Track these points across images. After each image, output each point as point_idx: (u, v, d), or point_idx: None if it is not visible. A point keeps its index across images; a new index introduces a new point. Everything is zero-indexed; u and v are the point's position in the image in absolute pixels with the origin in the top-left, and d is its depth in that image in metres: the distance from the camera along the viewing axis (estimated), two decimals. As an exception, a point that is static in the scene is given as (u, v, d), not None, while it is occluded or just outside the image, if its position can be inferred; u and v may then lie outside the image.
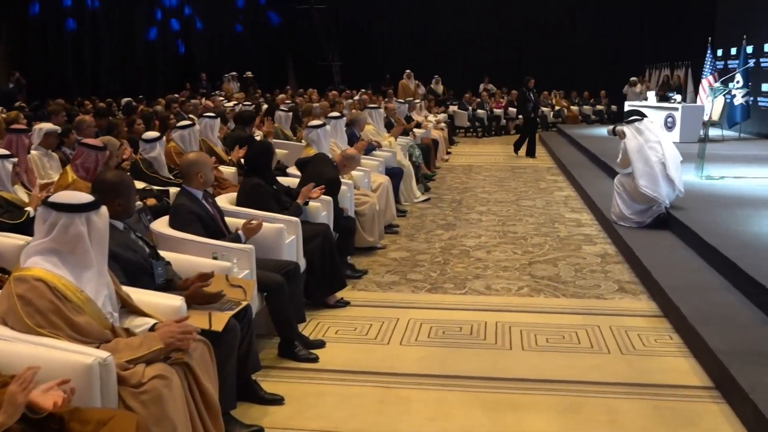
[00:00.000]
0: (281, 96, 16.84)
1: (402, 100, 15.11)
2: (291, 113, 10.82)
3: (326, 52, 25.44)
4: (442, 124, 16.48)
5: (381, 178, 8.25)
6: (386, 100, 16.07)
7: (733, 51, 17.46)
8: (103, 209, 3.08)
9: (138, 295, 3.41)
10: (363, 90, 19.58)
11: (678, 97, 16.00)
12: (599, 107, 22.56)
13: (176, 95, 16.10)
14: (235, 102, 14.82)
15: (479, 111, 20.55)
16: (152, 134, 7.02)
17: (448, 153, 15.75)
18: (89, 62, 21.43)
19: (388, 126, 11.50)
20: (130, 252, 3.63)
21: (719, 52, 18.19)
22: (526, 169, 13.68)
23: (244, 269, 4.43)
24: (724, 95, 14.25)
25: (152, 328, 3.14)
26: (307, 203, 5.83)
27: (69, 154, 6.97)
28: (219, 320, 3.52)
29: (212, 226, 4.70)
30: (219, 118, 8.73)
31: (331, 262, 5.62)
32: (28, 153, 6.62)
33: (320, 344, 4.86)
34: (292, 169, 7.32)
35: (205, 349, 3.23)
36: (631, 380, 4.31)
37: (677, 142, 10.59)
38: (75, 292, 2.89)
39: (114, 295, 3.17)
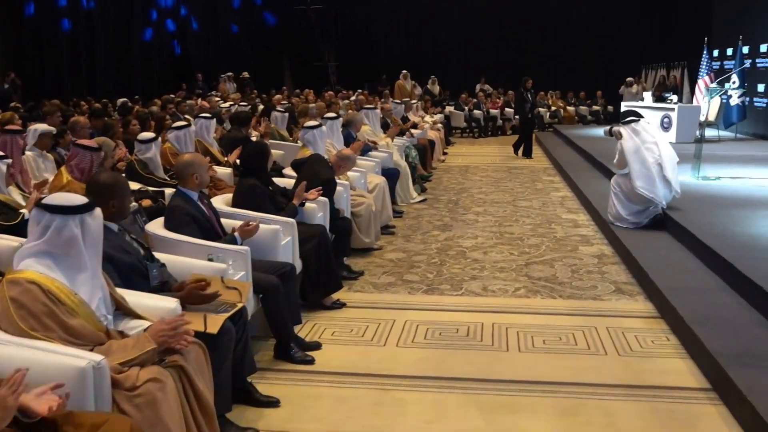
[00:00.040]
0: (277, 96, 16.83)
1: (398, 101, 15.10)
2: (287, 114, 10.79)
3: (322, 53, 25.42)
4: (439, 125, 16.47)
5: (377, 179, 8.23)
6: (382, 100, 16.05)
7: (729, 51, 17.49)
8: (98, 211, 3.06)
9: (133, 298, 3.38)
10: (359, 90, 19.58)
11: (674, 98, 16.01)
12: (595, 108, 22.56)
13: (172, 96, 16.08)
14: (231, 102, 14.81)
15: (476, 111, 20.54)
16: (147, 135, 6.99)
17: (445, 154, 15.73)
18: (85, 63, 21.40)
19: (385, 127, 11.48)
20: (124, 254, 3.61)
21: (715, 53, 18.23)
22: (522, 169, 13.68)
23: (240, 271, 4.40)
24: (720, 96, 14.26)
25: (146, 330, 3.12)
26: (303, 204, 5.81)
27: (64, 155, 6.94)
28: (214, 322, 3.49)
29: (208, 227, 4.67)
30: (215, 119, 8.70)
31: (327, 264, 5.60)
32: (23, 154, 6.59)
33: (316, 346, 4.84)
34: (288, 170, 7.30)
35: (200, 351, 3.20)
36: (628, 382, 4.30)
37: (673, 143, 10.58)
38: (69, 294, 2.87)
39: (108, 297, 3.14)
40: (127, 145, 7.55)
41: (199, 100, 14.81)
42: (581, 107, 22.68)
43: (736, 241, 6.22)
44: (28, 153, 6.78)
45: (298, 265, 5.33)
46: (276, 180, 6.37)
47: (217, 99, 15.77)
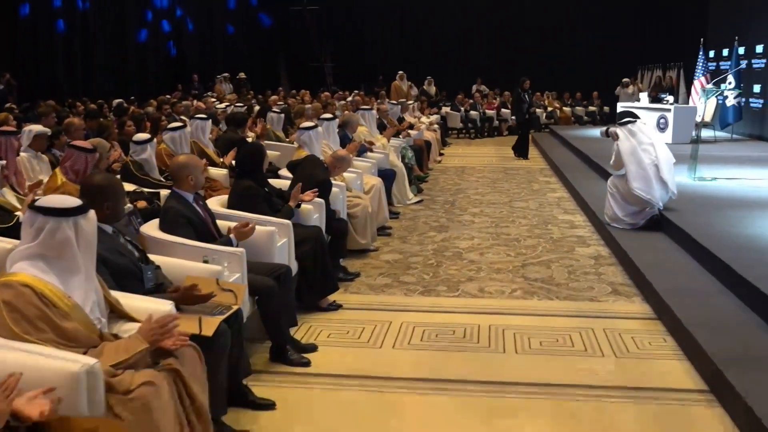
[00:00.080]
0: (273, 97, 16.79)
1: (395, 102, 15.08)
2: (283, 115, 10.77)
3: (318, 54, 25.40)
4: (435, 126, 16.46)
5: (373, 180, 8.21)
6: (379, 101, 16.04)
7: (725, 52, 17.50)
8: (91, 213, 3.03)
9: (127, 300, 3.36)
10: (356, 91, 19.56)
11: (670, 99, 16.03)
12: (592, 108, 22.57)
13: (168, 96, 16.05)
14: (227, 103, 14.79)
15: (472, 112, 20.53)
16: (143, 136, 6.97)
17: (441, 154, 15.72)
18: (80, 64, 21.35)
19: (381, 127, 11.47)
20: (119, 256, 3.59)
21: (711, 54, 18.24)
22: (518, 170, 13.67)
23: (235, 273, 4.38)
24: (716, 96, 14.27)
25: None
26: (298, 206, 5.79)
27: (59, 156, 6.92)
28: (209, 325, 3.47)
29: (203, 229, 4.65)
30: (210, 120, 8.67)
31: (323, 265, 5.58)
32: (18, 155, 6.56)
33: (312, 348, 4.82)
34: (284, 171, 7.28)
35: (194, 354, 3.18)
36: (625, 384, 4.28)
37: (669, 144, 10.59)
38: (62, 298, 2.84)
39: (102, 300, 3.12)
40: (122, 146, 7.53)
41: (194, 101, 14.77)
42: (577, 108, 22.69)
43: (733, 242, 6.22)
44: (22, 154, 6.75)
45: (294, 267, 5.31)
46: (272, 181, 6.35)
47: (213, 100, 15.73)
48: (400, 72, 20.73)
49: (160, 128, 8.60)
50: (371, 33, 25.99)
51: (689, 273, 6.02)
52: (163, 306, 3.40)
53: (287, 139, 10.08)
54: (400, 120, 13.45)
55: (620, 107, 15.57)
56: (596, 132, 16.13)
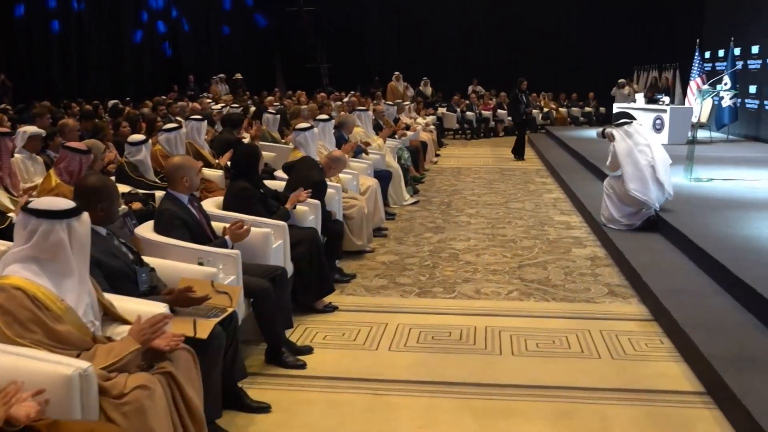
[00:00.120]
0: (269, 98, 16.77)
1: (391, 102, 15.06)
2: (279, 116, 10.75)
3: (315, 54, 25.38)
4: (431, 127, 16.45)
5: (369, 181, 8.19)
6: (375, 102, 16.02)
7: (721, 53, 17.52)
8: (85, 215, 3.01)
9: (121, 303, 3.34)
10: (352, 92, 19.55)
11: (666, 99, 16.03)
12: (588, 109, 22.60)
13: (163, 97, 16.01)
14: (223, 104, 14.76)
15: (468, 113, 20.52)
16: (138, 137, 6.94)
17: (437, 155, 15.71)
18: (76, 64, 21.30)
19: (377, 128, 11.45)
20: (113, 258, 3.56)
21: (707, 54, 18.24)
22: (514, 171, 13.66)
23: (231, 275, 4.36)
24: (712, 97, 14.28)
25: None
26: (294, 207, 5.77)
27: (53, 158, 6.88)
28: (204, 328, 3.45)
29: (198, 230, 4.63)
30: (206, 121, 8.65)
31: (319, 267, 5.56)
32: (12, 156, 6.53)
33: (308, 350, 4.80)
34: (280, 173, 7.26)
35: (189, 357, 3.16)
36: (622, 386, 4.27)
37: (665, 144, 10.58)
38: (55, 301, 2.82)
39: (96, 303, 3.10)
40: (117, 148, 7.50)
41: (190, 103, 14.74)
42: (573, 108, 22.72)
43: (730, 243, 6.21)
44: (17, 155, 6.71)
45: (290, 269, 5.29)
46: (267, 182, 6.33)
47: (209, 101, 15.71)
48: (396, 73, 20.73)
49: (156, 129, 8.57)
50: (367, 34, 25.99)
51: (686, 274, 6.01)
52: (157, 308, 3.37)
53: (283, 140, 10.06)
54: (396, 121, 13.43)
55: (616, 108, 15.59)
56: (592, 133, 16.14)
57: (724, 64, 16.16)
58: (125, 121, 8.93)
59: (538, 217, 9.15)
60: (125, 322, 3.23)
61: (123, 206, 5.36)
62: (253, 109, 13.49)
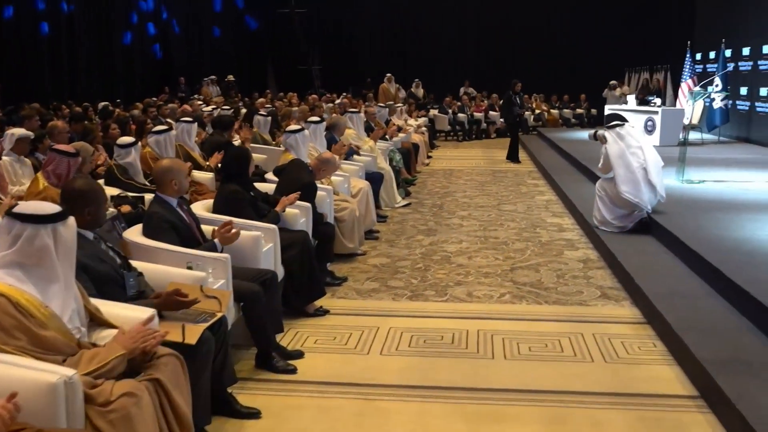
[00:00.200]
0: (261, 100, 16.71)
1: (382, 104, 15.03)
2: (270, 117, 10.70)
3: (306, 56, 25.34)
4: (423, 128, 16.42)
5: (361, 183, 8.15)
6: (367, 104, 15.98)
7: (712, 55, 17.56)
8: (71, 220, 2.96)
9: (108, 308, 3.28)
10: (343, 94, 19.51)
11: (658, 101, 16.05)
12: (579, 111, 22.61)
13: (154, 99, 15.94)
14: (214, 106, 14.70)
15: (460, 115, 20.51)
16: (127, 139, 6.89)
17: (429, 157, 15.69)
18: (66, 66, 21.18)
19: (369, 130, 11.41)
20: (99, 263, 3.51)
21: (698, 56, 18.29)
22: (506, 173, 13.64)
23: (220, 279, 4.31)
24: (703, 99, 14.29)
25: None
26: (284, 210, 5.73)
27: (42, 160, 6.82)
28: (192, 333, 3.40)
29: (187, 234, 4.58)
30: (196, 123, 8.59)
31: (310, 270, 5.51)
32: (0, 159, 6.48)
33: (299, 355, 4.75)
34: (271, 175, 7.21)
35: (177, 363, 3.11)
36: (615, 390, 4.24)
37: (657, 146, 10.54)
38: (39, 307, 2.77)
39: (82, 309, 3.05)
40: (107, 150, 7.44)
41: (180, 105, 14.67)
42: (565, 110, 22.73)
43: (722, 245, 6.19)
44: (5, 158, 6.66)
45: (280, 272, 5.24)
46: (258, 185, 6.29)
47: (200, 102, 15.65)
48: (388, 74, 20.71)
49: (146, 131, 8.51)
50: (359, 36, 25.95)
51: (678, 276, 6.00)
52: (144, 313, 3.32)
53: (274, 142, 10.01)
54: (388, 123, 13.40)
55: (608, 110, 15.58)
56: (584, 134, 16.12)
57: (715, 65, 16.18)
58: (115, 123, 8.87)
59: (530, 219, 9.13)
60: (112, 327, 3.18)
61: (112, 209, 5.32)
62: (244, 111, 13.44)
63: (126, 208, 5.67)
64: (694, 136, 14.54)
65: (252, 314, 4.47)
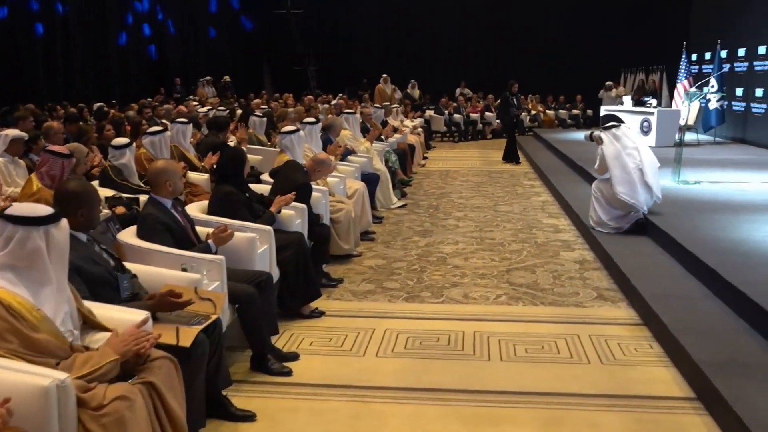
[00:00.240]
0: (256, 101, 16.68)
1: (378, 105, 15.01)
2: (265, 118, 10.68)
3: (302, 57, 25.30)
4: (419, 129, 16.40)
5: (357, 184, 8.13)
6: (362, 105, 15.96)
7: (708, 56, 17.56)
8: (64, 222, 2.93)
9: (101, 311, 3.26)
10: (339, 95, 19.48)
11: (653, 102, 16.06)
12: (575, 111, 22.63)
13: (149, 100, 15.90)
14: (209, 107, 14.66)
15: (456, 115, 20.50)
16: (122, 140, 6.85)
17: (425, 158, 15.67)
18: (61, 67, 21.13)
19: (365, 131, 11.38)
20: (93, 265, 3.49)
21: (694, 57, 18.31)
22: (502, 174, 13.63)
23: (215, 281, 4.29)
24: (699, 100, 14.30)
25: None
26: (278, 211, 5.70)
27: (36, 161, 6.78)
28: (187, 335, 3.37)
29: (182, 235, 4.56)
30: (191, 124, 8.56)
31: (306, 272, 5.49)
32: (-6, 160, 6.45)
33: (294, 357, 4.73)
34: (266, 176, 7.19)
35: (171, 366, 3.08)
36: (612, 392, 4.23)
37: (653, 147, 10.56)
38: (31, 310, 2.74)
39: (75, 312, 3.02)
40: (102, 151, 7.40)
41: (175, 105, 14.64)
42: (561, 111, 22.74)
43: (718, 246, 6.19)
44: (-1, 159, 6.63)
45: (276, 274, 5.22)
46: (253, 186, 6.26)
47: (195, 103, 15.61)
48: (384, 75, 20.66)
49: (141, 132, 8.48)
50: (355, 36, 25.90)
51: (675, 277, 5.99)
52: (138, 316, 3.29)
53: (269, 143, 9.99)
54: (384, 124, 13.37)
55: (604, 110, 15.58)
56: (580, 135, 16.10)
57: (711, 66, 16.20)
58: (109, 124, 8.83)
59: (526, 220, 9.12)
60: (105, 330, 3.15)
61: (106, 211, 5.29)
62: (239, 111, 13.41)
63: (120, 210, 5.65)
64: (689, 137, 14.53)
65: (247, 316, 4.45)
